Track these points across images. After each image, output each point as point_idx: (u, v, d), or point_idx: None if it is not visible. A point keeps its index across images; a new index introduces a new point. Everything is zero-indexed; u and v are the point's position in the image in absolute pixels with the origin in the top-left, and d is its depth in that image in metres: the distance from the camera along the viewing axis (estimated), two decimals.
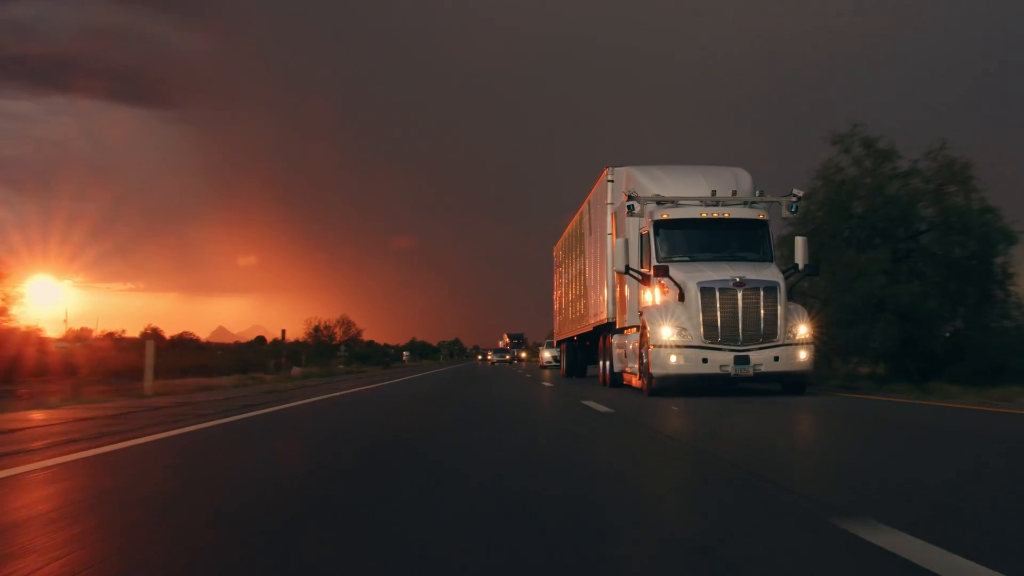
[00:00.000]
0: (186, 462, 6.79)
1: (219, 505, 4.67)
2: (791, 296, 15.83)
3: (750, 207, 16.67)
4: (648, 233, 16.50)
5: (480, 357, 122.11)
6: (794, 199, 16.87)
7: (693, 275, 15.33)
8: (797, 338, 14.93)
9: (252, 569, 3.31)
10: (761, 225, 16.48)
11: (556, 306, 32.58)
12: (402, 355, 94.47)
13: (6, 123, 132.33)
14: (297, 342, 60.78)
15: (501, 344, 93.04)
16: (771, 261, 16.21)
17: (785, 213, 16.99)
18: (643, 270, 16.66)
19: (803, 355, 14.88)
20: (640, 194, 16.78)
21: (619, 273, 17.56)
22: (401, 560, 3.37)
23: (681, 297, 15.30)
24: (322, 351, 59.96)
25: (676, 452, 7.33)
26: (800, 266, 16.31)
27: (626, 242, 16.95)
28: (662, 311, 15.48)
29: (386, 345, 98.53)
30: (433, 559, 3.39)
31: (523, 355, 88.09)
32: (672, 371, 15.02)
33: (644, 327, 15.98)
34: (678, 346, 14.97)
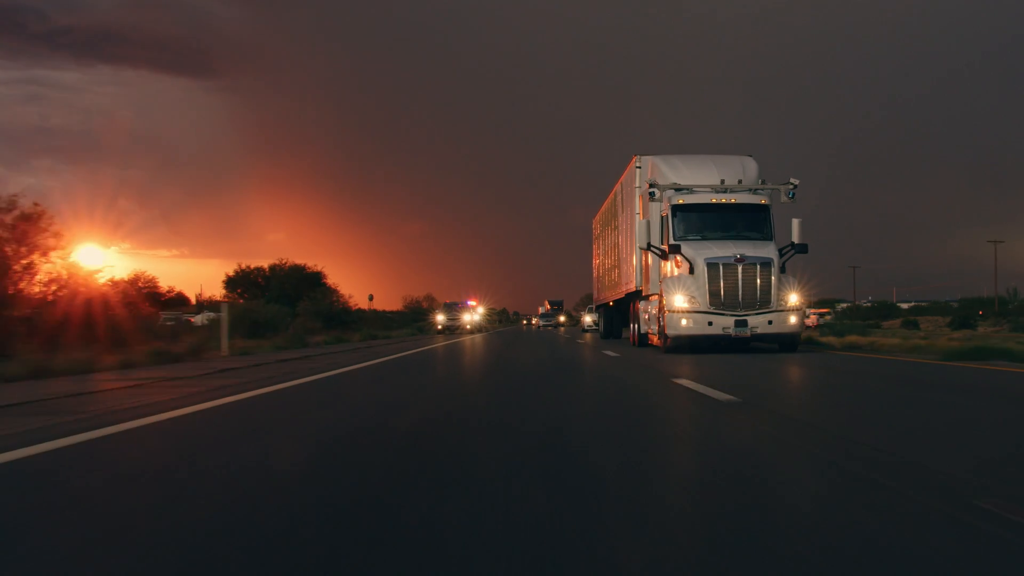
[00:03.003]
0: (332, 394, 9.52)
1: (359, 418, 6.95)
2: (784, 269, 17.70)
3: (754, 193, 18.57)
4: (667, 215, 18.50)
5: (525, 322, 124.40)
6: (791, 186, 18.73)
7: (701, 252, 17.40)
8: (788, 305, 17.07)
9: (393, 443, 5.38)
10: (763, 209, 18.35)
11: (595, 274, 34.43)
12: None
13: (54, 93, 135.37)
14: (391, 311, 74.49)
15: (542, 310, 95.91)
16: (771, 240, 18.01)
17: (783, 199, 18.74)
18: (662, 247, 18.65)
19: (793, 319, 17.07)
20: (660, 181, 18.96)
21: (642, 249, 19.77)
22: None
23: (691, 270, 17.40)
24: (416, 318, 65.96)
25: (660, 378, 10.66)
26: (802, 243, 18.08)
27: (648, 223, 19.13)
28: (675, 282, 17.62)
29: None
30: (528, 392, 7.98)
31: (562, 319, 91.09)
32: (683, 332, 17.18)
33: (661, 295, 18.09)
34: (688, 311, 17.12)
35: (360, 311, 51.77)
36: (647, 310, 20.42)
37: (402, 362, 15.50)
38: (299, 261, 53.87)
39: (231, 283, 53.05)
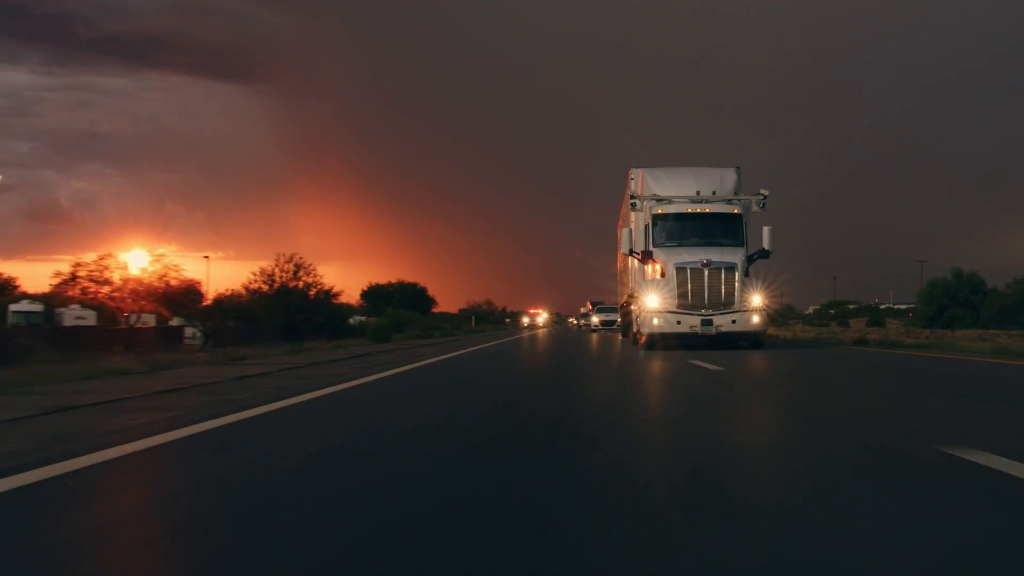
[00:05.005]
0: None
1: (443, 392, 9.12)
2: (748, 273, 18.56)
3: (727, 203, 19.41)
4: (648, 224, 19.43)
5: (572, 320, 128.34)
6: (761, 197, 19.59)
7: (672, 257, 18.36)
8: (751, 306, 17.92)
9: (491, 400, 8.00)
10: (735, 218, 19.20)
11: (618, 278, 38.73)
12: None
13: (103, 99, 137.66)
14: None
15: (583, 310, 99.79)
16: (742, 246, 18.82)
17: (754, 208, 19.63)
18: (640, 252, 19.63)
19: (755, 319, 17.95)
20: (646, 192, 19.87)
21: (625, 255, 20.88)
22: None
23: (663, 274, 18.39)
24: (468, 318, 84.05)
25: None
26: (768, 249, 19.04)
27: (630, 231, 20.07)
28: (649, 284, 18.70)
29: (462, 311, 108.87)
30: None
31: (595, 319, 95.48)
32: (656, 330, 18.11)
33: (637, 297, 19.32)
34: (659, 311, 18.11)
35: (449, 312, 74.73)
36: (635, 311, 21.33)
37: (531, 337, 22.84)
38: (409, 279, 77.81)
39: (365, 295, 72.58)
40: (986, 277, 50.57)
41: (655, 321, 18.19)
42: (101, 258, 28.40)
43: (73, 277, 27.89)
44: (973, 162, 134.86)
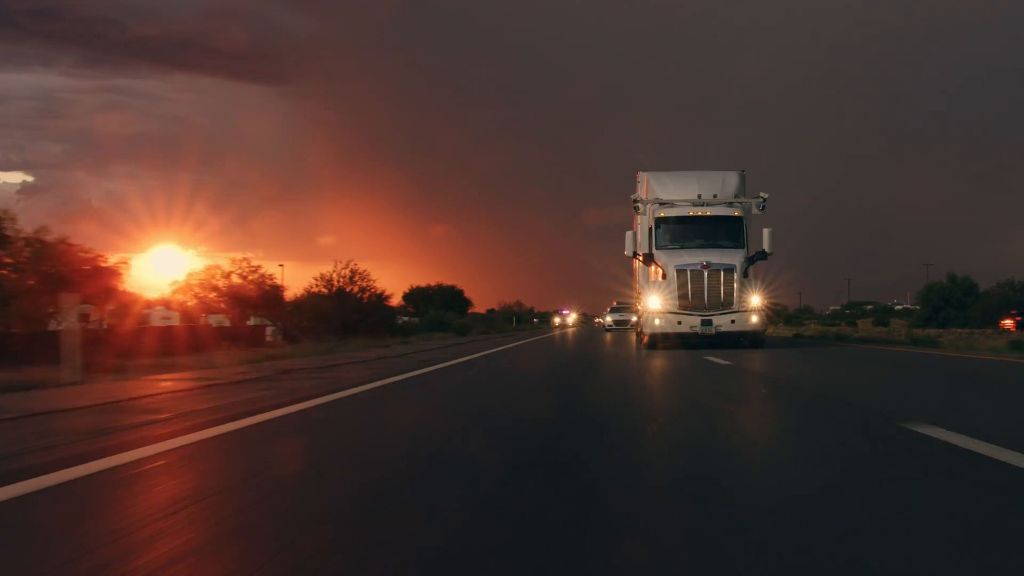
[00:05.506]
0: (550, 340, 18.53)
1: (487, 381, 13.99)
2: (748, 274, 18.81)
3: (728, 206, 19.54)
4: (651, 227, 19.59)
5: (598, 320, 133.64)
6: (761, 200, 19.75)
7: (673, 259, 18.66)
8: (750, 307, 18.16)
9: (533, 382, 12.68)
10: (736, 220, 19.35)
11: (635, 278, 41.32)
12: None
13: (134, 101, 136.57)
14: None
15: (608, 311, 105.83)
16: (742, 248, 18.95)
17: (755, 211, 19.75)
18: (643, 254, 19.76)
19: (754, 319, 18.20)
20: (651, 196, 20.13)
21: (628, 257, 20.79)
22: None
23: (664, 276, 18.67)
24: (508, 318, 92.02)
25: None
26: (767, 251, 19.20)
27: (634, 234, 20.04)
28: (652, 286, 19.00)
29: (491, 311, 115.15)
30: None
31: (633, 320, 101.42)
32: (657, 330, 18.51)
33: (641, 297, 19.87)
34: (660, 312, 18.46)
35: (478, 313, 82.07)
36: (639, 311, 21.88)
37: (563, 334, 29.26)
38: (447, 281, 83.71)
39: (406, 297, 77.74)
40: (994, 280, 55.28)
41: (656, 321, 18.66)
42: (208, 268, 34.34)
43: (186, 284, 33.83)
44: (996, 167, 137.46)
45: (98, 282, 21.92)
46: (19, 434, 5.17)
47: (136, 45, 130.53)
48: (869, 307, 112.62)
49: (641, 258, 20.05)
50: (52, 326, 20.70)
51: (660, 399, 7.82)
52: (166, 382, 9.46)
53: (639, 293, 21.97)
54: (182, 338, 29.63)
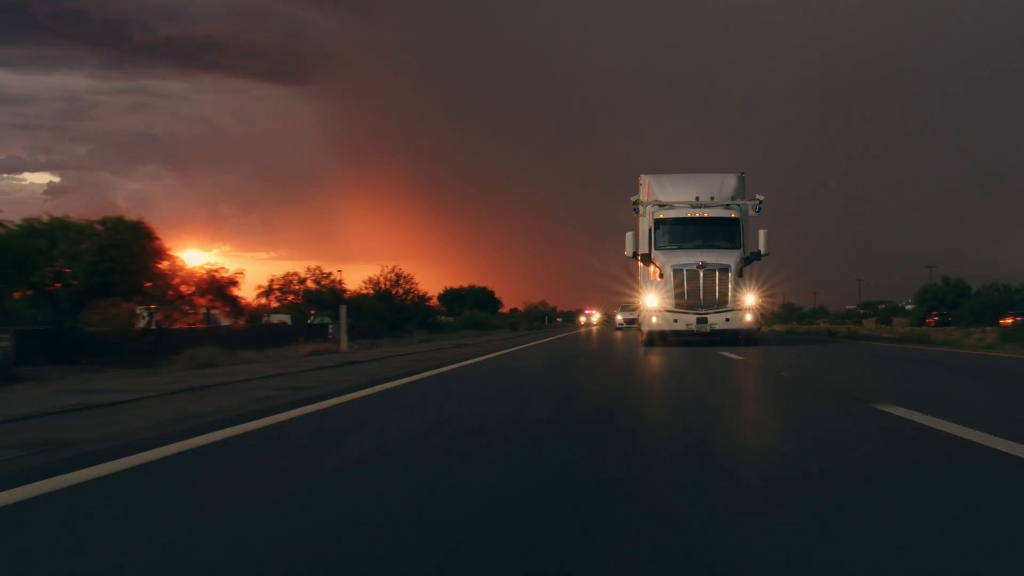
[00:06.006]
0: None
1: (516, 373, 20.64)
2: (742, 274, 19.22)
3: (725, 208, 19.97)
4: (651, 228, 19.98)
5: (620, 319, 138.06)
6: (757, 202, 20.16)
7: (670, 259, 19.09)
8: (744, 306, 18.57)
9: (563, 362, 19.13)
10: (732, 222, 19.77)
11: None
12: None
13: (159, 102, 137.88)
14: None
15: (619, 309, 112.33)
16: (738, 248, 19.37)
17: (751, 212, 20.18)
18: (642, 255, 20.25)
19: (748, 317, 18.62)
20: (651, 197, 20.64)
21: (628, 257, 20.98)
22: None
23: (662, 275, 19.09)
24: (539, 317, 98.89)
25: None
26: (762, 252, 19.70)
27: (634, 235, 20.51)
28: (650, 285, 19.48)
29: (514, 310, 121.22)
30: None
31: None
32: (655, 328, 18.97)
33: (640, 297, 20.21)
34: (658, 310, 18.91)
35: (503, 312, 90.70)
36: (639, 309, 22.06)
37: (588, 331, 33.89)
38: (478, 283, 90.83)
39: (441, 298, 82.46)
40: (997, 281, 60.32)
41: (654, 319, 19.17)
42: (286, 275, 40.46)
43: (270, 289, 39.93)
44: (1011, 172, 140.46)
45: (228, 290, 28.01)
46: (350, 374, 10.99)
47: (161, 46, 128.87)
48: (882, 306, 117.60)
49: (641, 258, 20.55)
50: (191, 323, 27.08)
51: (665, 365, 13.34)
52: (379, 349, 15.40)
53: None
54: (272, 333, 35.62)
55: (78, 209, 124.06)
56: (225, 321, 32.56)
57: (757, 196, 20.36)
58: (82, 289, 22.66)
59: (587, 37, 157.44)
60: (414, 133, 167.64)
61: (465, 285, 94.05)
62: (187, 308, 27.08)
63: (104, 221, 22.72)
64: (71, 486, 3.47)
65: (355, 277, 79.18)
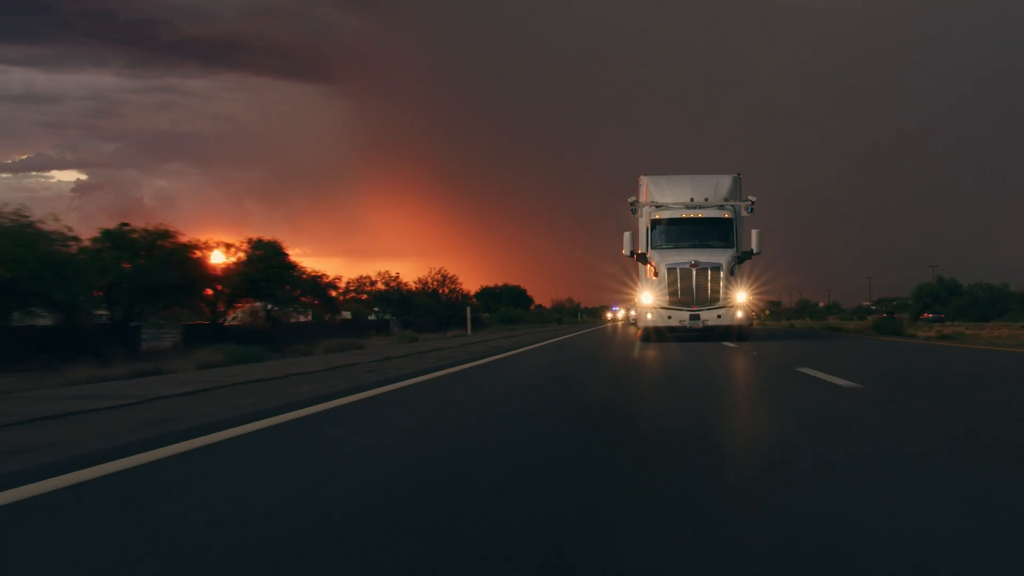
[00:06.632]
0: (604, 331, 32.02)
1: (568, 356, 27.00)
2: (734, 272, 19.91)
3: (719, 209, 20.62)
4: (648, 228, 20.59)
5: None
6: (749, 203, 20.84)
7: (665, 258, 19.80)
8: (735, 303, 19.36)
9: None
10: (725, 222, 20.40)
11: None
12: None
13: (184, 100, 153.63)
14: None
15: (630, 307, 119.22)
16: (731, 248, 20.03)
17: (743, 213, 20.82)
18: (639, 254, 20.86)
19: (739, 314, 19.41)
20: (649, 198, 21.29)
21: (626, 256, 21.33)
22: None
23: (657, 273, 19.79)
24: (573, 314, 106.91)
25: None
26: (754, 250, 20.29)
27: (631, 234, 21.02)
28: (645, 284, 20.28)
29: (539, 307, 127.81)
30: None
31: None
32: (650, 324, 19.76)
33: (637, 294, 21.08)
34: (653, 307, 19.67)
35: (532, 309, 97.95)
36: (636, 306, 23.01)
37: (616, 325, 41.66)
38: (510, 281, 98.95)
39: (478, 295, 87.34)
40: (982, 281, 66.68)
41: (649, 316, 19.93)
42: (360, 277, 47.77)
43: (348, 289, 47.23)
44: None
45: (328, 291, 35.30)
46: (482, 348, 18.07)
47: (187, 45, 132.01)
48: (894, 303, 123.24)
49: (637, 257, 21.21)
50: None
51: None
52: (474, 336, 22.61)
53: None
54: (353, 326, 42.81)
55: (105, 206, 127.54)
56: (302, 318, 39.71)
57: (749, 197, 21.19)
58: (230, 295, 29.86)
59: (617, 34, 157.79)
60: (438, 131, 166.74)
61: (499, 284, 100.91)
62: (298, 307, 34.32)
63: (250, 240, 29.85)
64: (389, 391, 8.06)
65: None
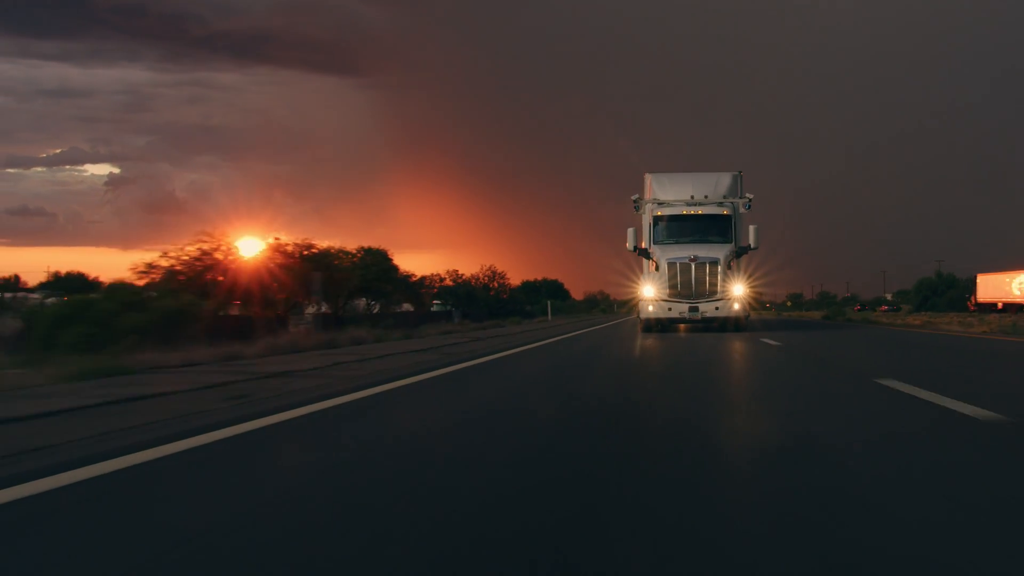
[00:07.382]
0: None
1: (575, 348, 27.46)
2: (731, 266, 20.87)
3: (719, 206, 21.56)
4: (650, 224, 21.67)
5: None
6: (747, 200, 21.77)
7: (666, 253, 20.86)
8: (732, 296, 20.39)
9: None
10: (724, 219, 21.39)
11: None
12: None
13: (216, 94, 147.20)
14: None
15: None
16: (730, 243, 21.01)
17: (741, 209, 21.79)
18: (641, 249, 21.88)
19: (736, 306, 20.45)
20: (652, 195, 22.24)
21: (630, 251, 22.23)
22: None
23: (658, 268, 20.84)
24: (593, 305, 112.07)
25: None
26: (752, 245, 21.25)
27: (634, 230, 21.94)
28: (647, 277, 21.29)
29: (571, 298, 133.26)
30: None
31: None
32: (651, 316, 20.95)
33: (639, 287, 21.97)
34: (653, 300, 20.79)
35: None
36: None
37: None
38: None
39: (520, 289, 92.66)
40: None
41: (650, 308, 20.78)
42: (432, 274, 56.96)
43: (421, 283, 56.37)
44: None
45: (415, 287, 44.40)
46: (576, 325, 26.75)
47: (218, 39, 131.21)
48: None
49: (639, 252, 21.88)
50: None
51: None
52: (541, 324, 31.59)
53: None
54: (425, 317, 51.77)
55: (137, 199, 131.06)
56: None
57: (747, 195, 22.18)
58: (350, 293, 38.93)
59: (647, 25, 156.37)
60: (467, 123, 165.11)
61: (539, 278, 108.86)
62: (393, 301, 43.39)
63: (364, 248, 38.89)
64: (469, 365, 11.72)
65: (409, 266, 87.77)
